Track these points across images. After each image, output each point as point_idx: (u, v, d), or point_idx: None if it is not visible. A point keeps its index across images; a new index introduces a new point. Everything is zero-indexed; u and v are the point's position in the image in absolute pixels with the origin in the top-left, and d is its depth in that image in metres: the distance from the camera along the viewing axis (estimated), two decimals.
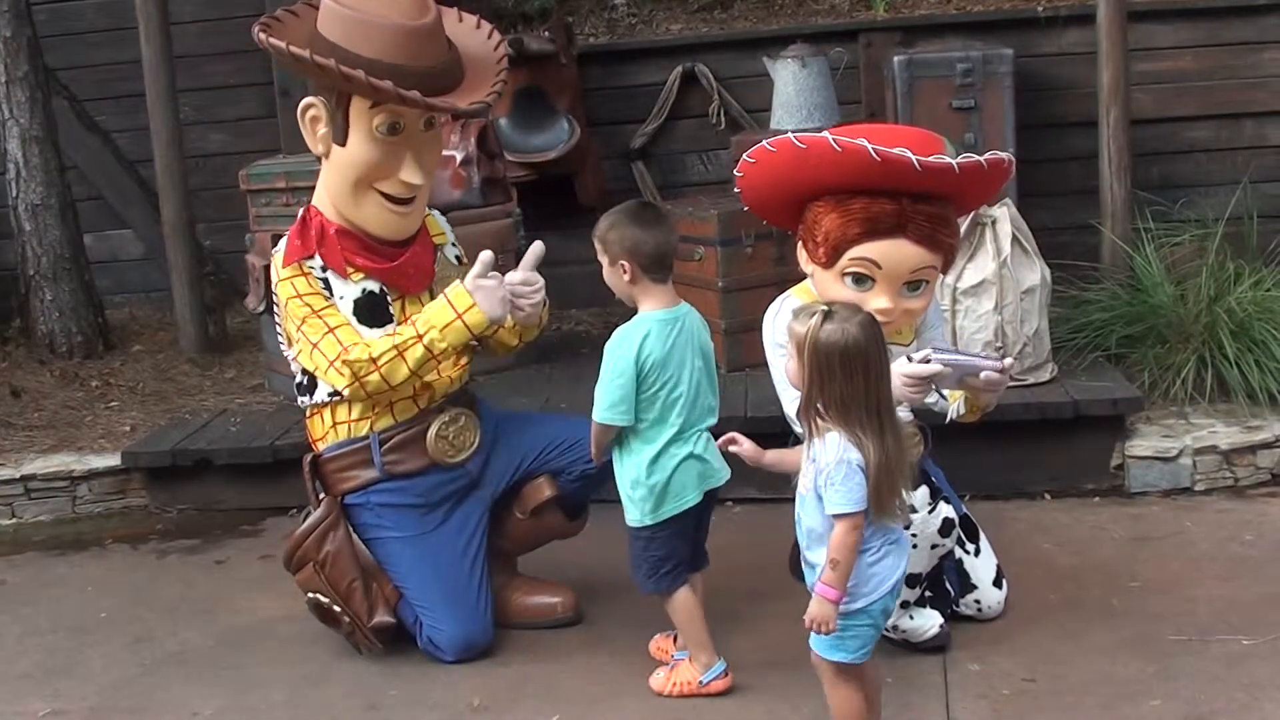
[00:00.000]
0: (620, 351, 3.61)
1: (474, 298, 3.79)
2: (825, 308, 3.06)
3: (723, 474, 3.73)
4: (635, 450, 3.65)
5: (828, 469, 3.02)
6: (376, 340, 3.85)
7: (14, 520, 5.62)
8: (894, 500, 3.06)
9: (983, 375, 3.51)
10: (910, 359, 3.54)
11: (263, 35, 3.90)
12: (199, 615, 4.57)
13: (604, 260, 3.67)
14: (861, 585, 3.11)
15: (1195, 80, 6.69)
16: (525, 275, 3.88)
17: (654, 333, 3.60)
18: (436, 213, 4.34)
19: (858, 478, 3.00)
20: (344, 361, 3.81)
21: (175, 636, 4.42)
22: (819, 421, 3.06)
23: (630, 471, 3.66)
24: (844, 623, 3.12)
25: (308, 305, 3.91)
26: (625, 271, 3.62)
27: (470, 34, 4.16)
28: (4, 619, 4.66)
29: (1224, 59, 6.67)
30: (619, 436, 3.68)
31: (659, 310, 3.64)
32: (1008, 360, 3.60)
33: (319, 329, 3.88)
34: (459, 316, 3.79)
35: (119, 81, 7.45)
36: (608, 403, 3.63)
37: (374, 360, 3.80)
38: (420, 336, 3.80)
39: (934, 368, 3.48)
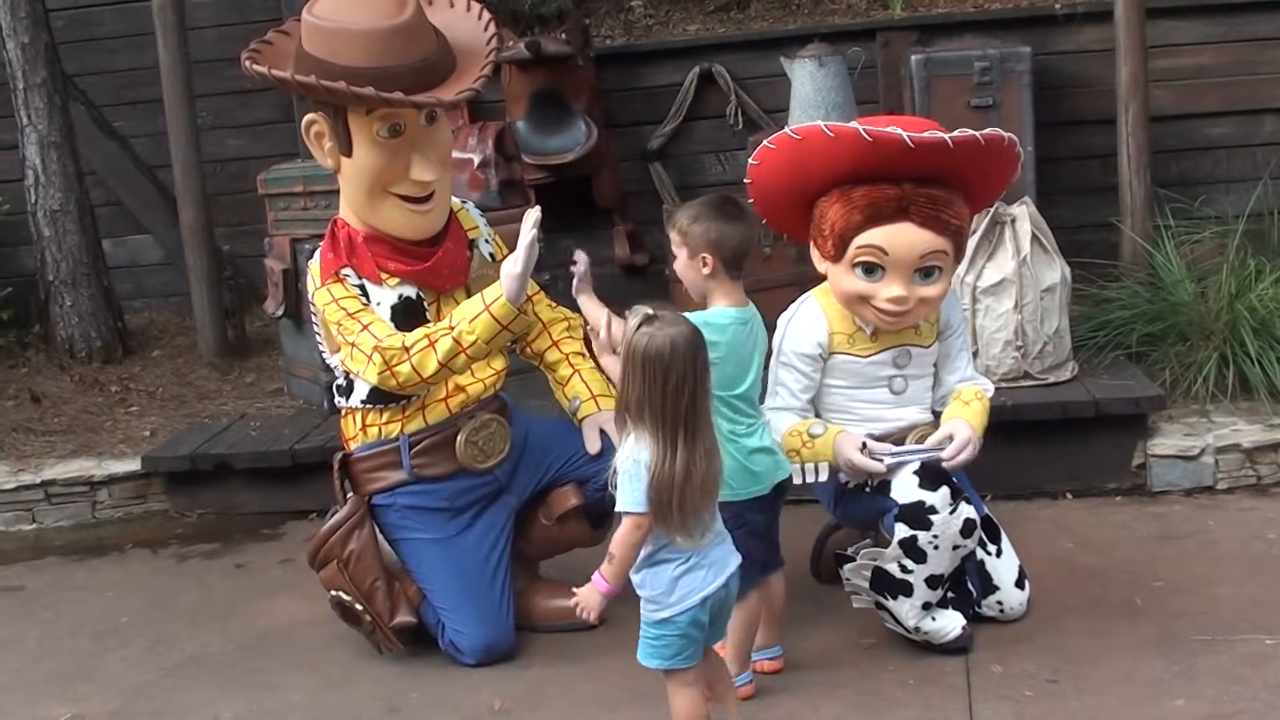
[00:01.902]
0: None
1: (502, 285, 3.76)
2: (649, 311, 3.08)
3: (787, 467, 3.69)
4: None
5: (620, 465, 3.08)
6: (403, 337, 3.85)
7: (35, 525, 5.65)
8: (680, 517, 3.05)
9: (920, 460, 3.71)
10: (866, 444, 3.70)
11: (248, 63, 3.94)
12: (219, 619, 4.58)
13: (681, 253, 3.61)
14: (666, 595, 3.15)
15: (1214, 76, 6.65)
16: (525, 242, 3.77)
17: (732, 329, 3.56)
18: (471, 206, 4.33)
19: (645, 479, 3.03)
20: (377, 349, 3.82)
21: (195, 640, 4.42)
22: (627, 420, 3.10)
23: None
24: (655, 630, 3.19)
25: (342, 309, 3.92)
26: (706, 265, 3.56)
27: (460, 19, 4.13)
28: (25, 624, 4.68)
29: (1243, 55, 6.63)
30: None
31: (734, 309, 3.59)
32: (946, 451, 3.74)
33: (354, 327, 3.89)
34: (486, 308, 3.77)
35: (137, 87, 7.46)
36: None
37: (406, 349, 3.81)
38: (452, 328, 3.79)
39: (878, 466, 3.68)
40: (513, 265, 3.73)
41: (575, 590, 3.19)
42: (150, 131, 7.42)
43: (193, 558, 5.19)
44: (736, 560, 3.25)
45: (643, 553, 3.14)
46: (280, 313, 6.00)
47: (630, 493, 3.06)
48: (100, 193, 7.46)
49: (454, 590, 4.04)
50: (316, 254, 4.07)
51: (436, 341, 3.79)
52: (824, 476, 3.77)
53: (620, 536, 3.10)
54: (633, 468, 3.06)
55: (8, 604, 4.89)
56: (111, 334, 6.99)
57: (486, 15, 4.14)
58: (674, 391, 3.03)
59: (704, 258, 3.55)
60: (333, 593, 4.06)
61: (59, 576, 5.12)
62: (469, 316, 3.78)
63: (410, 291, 4.01)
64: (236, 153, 7.57)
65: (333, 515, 4.09)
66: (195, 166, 6.67)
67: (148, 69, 6.91)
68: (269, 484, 5.51)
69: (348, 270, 3.97)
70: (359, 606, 4.02)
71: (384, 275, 3.98)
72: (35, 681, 4.22)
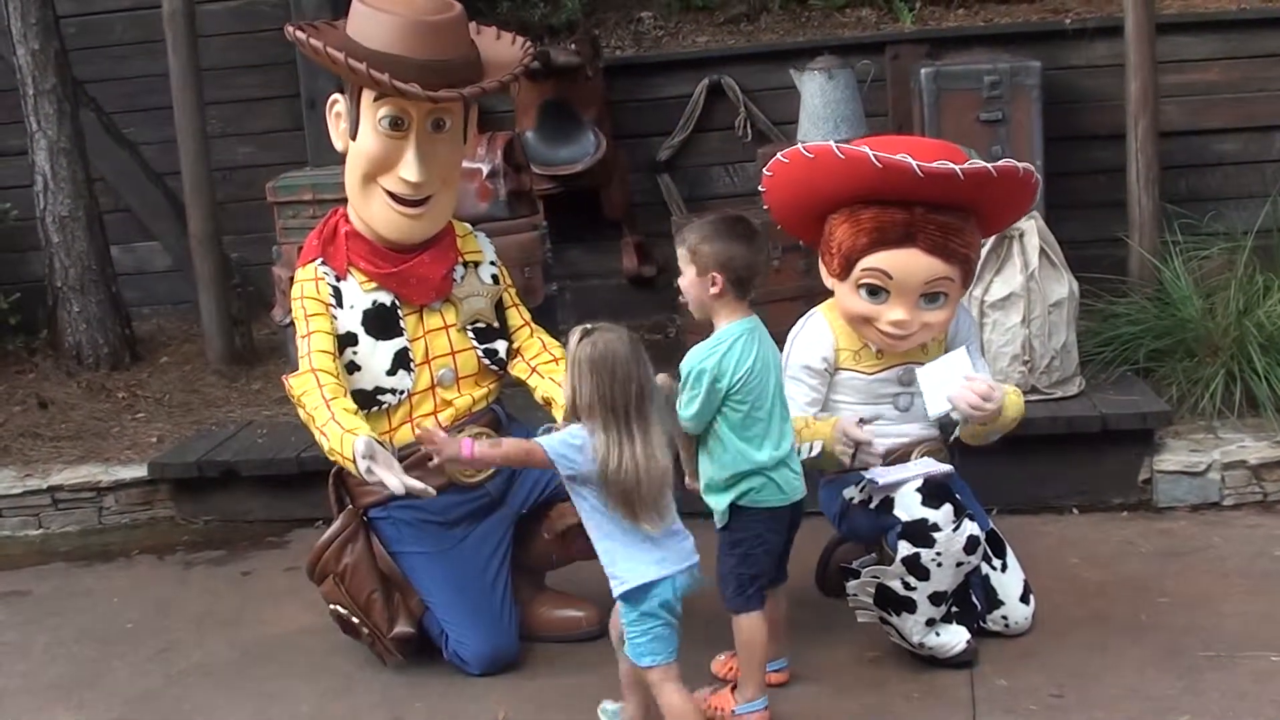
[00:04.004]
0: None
1: (354, 454, 3.68)
2: (587, 327, 3.29)
3: (802, 489, 3.66)
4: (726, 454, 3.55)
5: (563, 428, 3.34)
6: (314, 387, 3.89)
7: (41, 531, 5.65)
8: (643, 505, 3.25)
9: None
10: (863, 420, 3.74)
11: (292, 29, 4.01)
12: (225, 626, 4.58)
13: (689, 270, 3.57)
14: (615, 565, 3.34)
15: (1224, 92, 6.65)
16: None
17: (743, 341, 3.54)
18: (482, 237, 4.35)
19: (584, 450, 3.26)
20: (288, 375, 3.99)
21: (201, 648, 4.43)
22: (577, 421, 3.30)
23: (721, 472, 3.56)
24: (637, 628, 3.34)
25: (302, 308, 4.02)
26: (715, 285, 3.51)
27: (504, 48, 4.21)
28: (31, 629, 4.68)
29: (1253, 71, 6.63)
30: (703, 442, 3.58)
31: (736, 322, 3.55)
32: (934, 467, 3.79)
33: (300, 330, 4.01)
34: (339, 454, 3.77)
35: (147, 94, 7.45)
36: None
37: (299, 396, 3.91)
38: (318, 424, 3.83)
39: (865, 436, 3.72)
40: (386, 471, 3.68)
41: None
42: (159, 139, 7.41)
43: (199, 565, 5.20)
44: (695, 559, 3.38)
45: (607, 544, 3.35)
46: (288, 321, 5.98)
47: (558, 442, 3.28)
48: (109, 199, 7.47)
49: (454, 601, 4.04)
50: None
51: (312, 419, 3.86)
52: (816, 451, 3.75)
53: (516, 445, 3.40)
54: (576, 436, 3.27)
55: (14, 609, 4.90)
56: (119, 340, 6.99)
57: (528, 46, 4.23)
58: (622, 385, 3.22)
59: (713, 277, 3.51)
60: (332, 606, 4.07)
61: (65, 582, 5.12)
62: (330, 436, 3.79)
63: (385, 299, 4.05)
64: (245, 160, 7.57)
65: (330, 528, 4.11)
66: (204, 174, 6.66)
67: (158, 76, 6.90)
68: (275, 491, 5.52)
69: (325, 268, 4.04)
70: (355, 619, 4.03)
71: (352, 272, 4.04)
72: (40, 687, 4.23)
